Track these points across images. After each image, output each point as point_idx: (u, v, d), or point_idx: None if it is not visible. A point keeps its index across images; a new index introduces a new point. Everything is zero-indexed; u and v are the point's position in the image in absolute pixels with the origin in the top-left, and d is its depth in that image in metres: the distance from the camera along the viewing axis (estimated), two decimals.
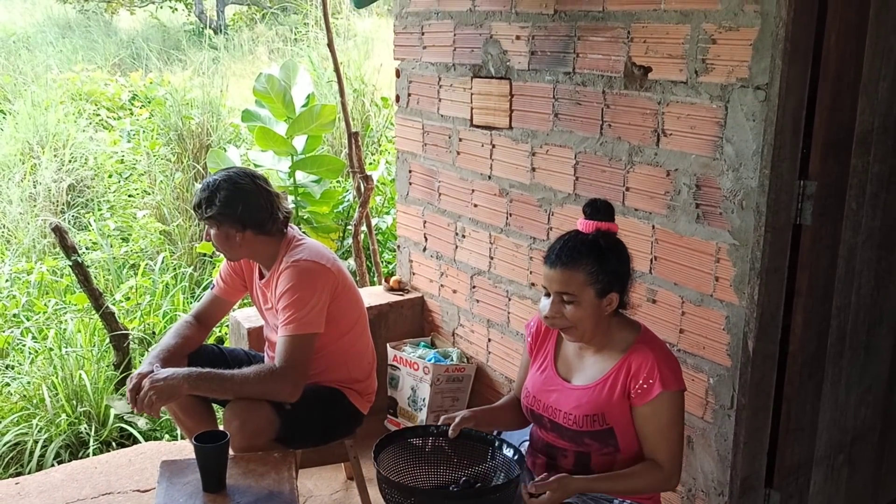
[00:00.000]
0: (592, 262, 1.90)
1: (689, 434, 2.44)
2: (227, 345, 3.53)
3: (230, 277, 2.72)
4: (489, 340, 3.25)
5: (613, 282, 1.93)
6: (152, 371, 2.38)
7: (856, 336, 2.48)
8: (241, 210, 2.47)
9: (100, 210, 6.32)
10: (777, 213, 2.16)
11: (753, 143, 2.14)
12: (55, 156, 6.78)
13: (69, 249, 4.04)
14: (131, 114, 9.03)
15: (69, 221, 6.26)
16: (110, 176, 7.16)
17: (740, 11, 2.13)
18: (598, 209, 1.97)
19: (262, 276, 2.63)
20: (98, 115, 8.96)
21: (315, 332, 2.46)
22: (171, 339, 2.60)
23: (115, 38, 13.95)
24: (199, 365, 2.55)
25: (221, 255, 2.80)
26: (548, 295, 1.94)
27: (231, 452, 2.24)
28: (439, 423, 2.04)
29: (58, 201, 6.44)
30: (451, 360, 3.29)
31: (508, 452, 1.97)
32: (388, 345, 3.38)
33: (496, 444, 2.01)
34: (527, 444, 2.19)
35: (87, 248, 5.62)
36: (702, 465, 2.42)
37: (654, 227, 2.47)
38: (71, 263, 4.06)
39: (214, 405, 2.73)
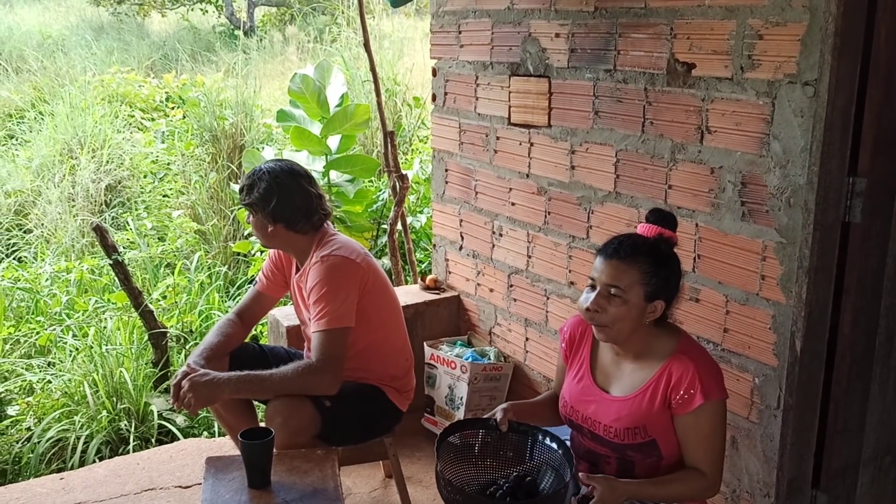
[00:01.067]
0: (650, 263, 1.89)
1: (734, 434, 2.41)
2: (264, 342, 3.56)
3: (272, 273, 2.75)
4: (527, 340, 3.24)
5: (663, 289, 1.91)
6: (195, 370, 2.40)
7: None
8: (274, 206, 2.52)
9: (136, 210, 6.40)
10: (826, 211, 2.13)
11: (802, 140, 2.11)
12: (93, 157, 6.88)
13: (110, 248, 4.09)
14: (165, 115, 9.14)
15: (107, 221, 6.35)
16: (145, 176, 7.25)
17: (788, 6, 2.10)
18: (663, 217, 1.98)
19: (297, 271, 2.66)
20: (133, 116, 9.08)
21: (347, 327, 2.47)
22: (214, 338, 2.63)
23: (148, 41, 14.12)
24: (241, 363, 2.58)
25: (257, 256, 2.84)
26: (593, 288, 1.93)
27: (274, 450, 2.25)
28: (486, 417, 2.04)
29: (96, 201, 6.53)
30: (489, 359, 3.29)
31: (558, 448, 1.96)
32: (424, 343, 3.38)
33: (543, 437, 1.99)
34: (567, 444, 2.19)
35: (124, 248, 5.69)
36: (747, 465, 2.39)
37: (697, 225, 2.45)
38: (111, 262, 4.12)
39: (256, 402, 2.76)
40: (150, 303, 4.36)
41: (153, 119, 8.91)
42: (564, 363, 2.17)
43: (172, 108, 9.22)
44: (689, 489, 1.92)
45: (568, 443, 2.17)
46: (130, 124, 8.83)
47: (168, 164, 7.28)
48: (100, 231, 4.08)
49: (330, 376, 2.43)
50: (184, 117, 8.37)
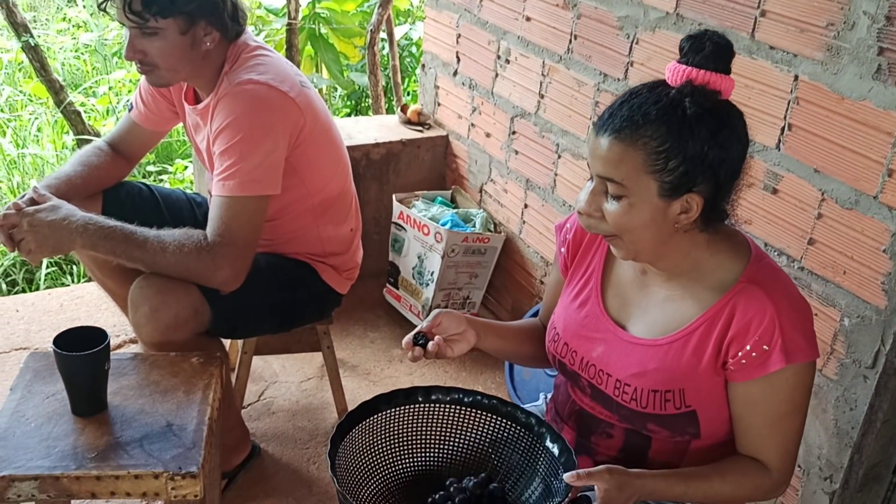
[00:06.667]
0: (664, 134, 1.08)
1: None
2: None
3: (153, 99, 1.89)
4: (525, 206, 2.45)
5: (697, 174, 1.09)
6: (42, 197, 1.64)
7: None
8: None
9: None
10: None
11: None
12: None
13: (19, 26, 3.25)
14: None
15: None
16: None
17: None
18: (701, 46, 1.10)
19: (197, 100, 1.81)
20: None
21: (265, 195, 1.67)
22: (71, 168, 1.85)
23: None
24: (119, 209, 1.82)
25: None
26: (592, 178, 1.15)
27: (133, 350, 1.54)
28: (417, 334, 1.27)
29: None
30: (474, 225, 2.52)
31: (553, 448, 1.22)
32: (394, 196, 2.60)
33: (533, 424, 1.25)
34: (542, 404, 1.48)
35: (73, 26, 4.80)
36: (807, 434, 1.68)
37: (797, 77, 1.58)
38: (22, 45, 3.29)
39: None
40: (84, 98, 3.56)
41: None
42: (563, 276, 1.40)
43: None
44: (741, 489, 1.21)
45: (543, 400, 1.47)
46: None
47: None
48: (6, 3, 3.22)
49: (227, 268, 1.65)
50: None
